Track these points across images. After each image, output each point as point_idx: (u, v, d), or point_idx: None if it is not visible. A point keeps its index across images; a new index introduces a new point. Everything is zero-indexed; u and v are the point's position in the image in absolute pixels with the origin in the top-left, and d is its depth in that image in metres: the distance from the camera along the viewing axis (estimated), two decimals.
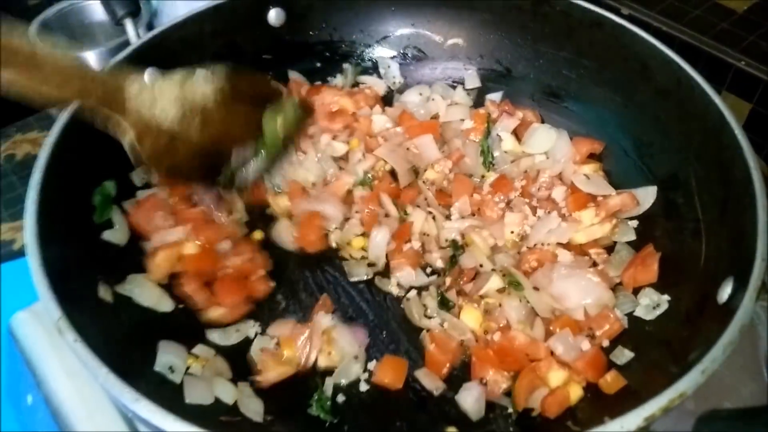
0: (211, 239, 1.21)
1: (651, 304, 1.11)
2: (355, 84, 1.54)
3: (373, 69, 1.55)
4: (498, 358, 1.07)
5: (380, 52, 1.55)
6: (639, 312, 1.11)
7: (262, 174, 1.14)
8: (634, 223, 1.25)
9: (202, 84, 1.03)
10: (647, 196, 1.24)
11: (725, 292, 0.93)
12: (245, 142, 1.10)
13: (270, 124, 1.11)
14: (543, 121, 1.43)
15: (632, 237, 1.23)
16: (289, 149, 1.17)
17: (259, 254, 1.23)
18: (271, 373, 1.07)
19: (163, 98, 1.00)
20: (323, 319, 1.12)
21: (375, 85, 1.53)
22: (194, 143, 1.04)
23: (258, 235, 1.29)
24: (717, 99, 1.11)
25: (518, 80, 1.47)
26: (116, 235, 1.17)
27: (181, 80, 1.02)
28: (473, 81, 1.51)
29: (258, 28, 1.44)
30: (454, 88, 1.52)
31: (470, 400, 1.03)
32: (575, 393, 1.03)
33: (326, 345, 1.10)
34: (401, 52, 1.55)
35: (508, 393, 1.05)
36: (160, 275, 1.16)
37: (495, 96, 1.48)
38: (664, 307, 1.09)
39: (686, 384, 0.79)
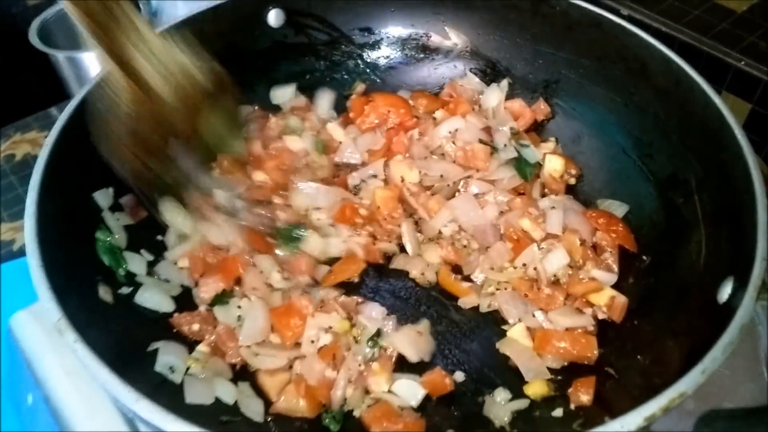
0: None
1: None
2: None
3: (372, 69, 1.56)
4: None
5: (380, 53, 1.55)
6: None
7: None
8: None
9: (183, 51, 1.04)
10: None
11: (725, 291, 0.93)
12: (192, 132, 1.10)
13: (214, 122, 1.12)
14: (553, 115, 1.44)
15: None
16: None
17: None
18: None
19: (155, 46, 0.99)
20: None
21: None
22: (167, 111, 1.02)
23: None
24: (717, 99, 1.11)
25: (518, 80, 1.48)
26: (115, 241, 1.15)
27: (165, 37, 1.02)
28: (472, 81, 1.51)
29: (258, 29, 1.44)
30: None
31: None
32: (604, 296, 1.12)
33: None
34: (401, 52, 1.56)
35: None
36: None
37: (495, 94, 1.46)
38: None
39: (686, 384, 0.79)
